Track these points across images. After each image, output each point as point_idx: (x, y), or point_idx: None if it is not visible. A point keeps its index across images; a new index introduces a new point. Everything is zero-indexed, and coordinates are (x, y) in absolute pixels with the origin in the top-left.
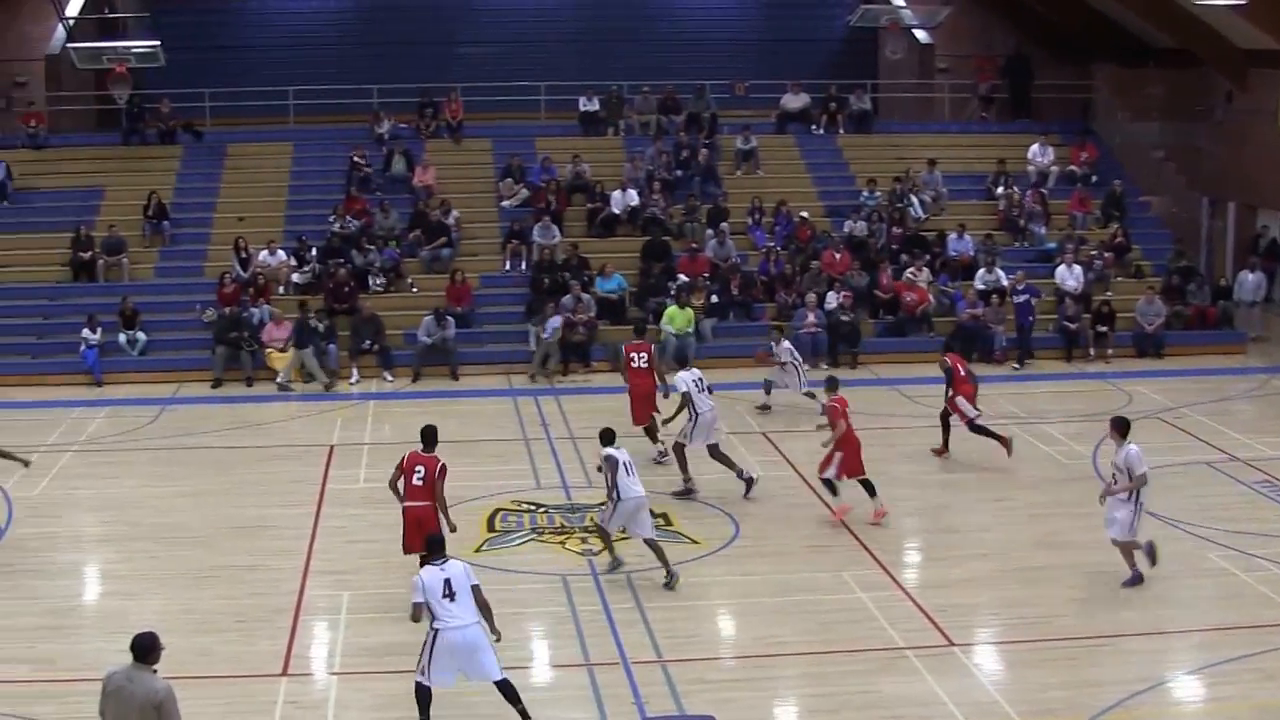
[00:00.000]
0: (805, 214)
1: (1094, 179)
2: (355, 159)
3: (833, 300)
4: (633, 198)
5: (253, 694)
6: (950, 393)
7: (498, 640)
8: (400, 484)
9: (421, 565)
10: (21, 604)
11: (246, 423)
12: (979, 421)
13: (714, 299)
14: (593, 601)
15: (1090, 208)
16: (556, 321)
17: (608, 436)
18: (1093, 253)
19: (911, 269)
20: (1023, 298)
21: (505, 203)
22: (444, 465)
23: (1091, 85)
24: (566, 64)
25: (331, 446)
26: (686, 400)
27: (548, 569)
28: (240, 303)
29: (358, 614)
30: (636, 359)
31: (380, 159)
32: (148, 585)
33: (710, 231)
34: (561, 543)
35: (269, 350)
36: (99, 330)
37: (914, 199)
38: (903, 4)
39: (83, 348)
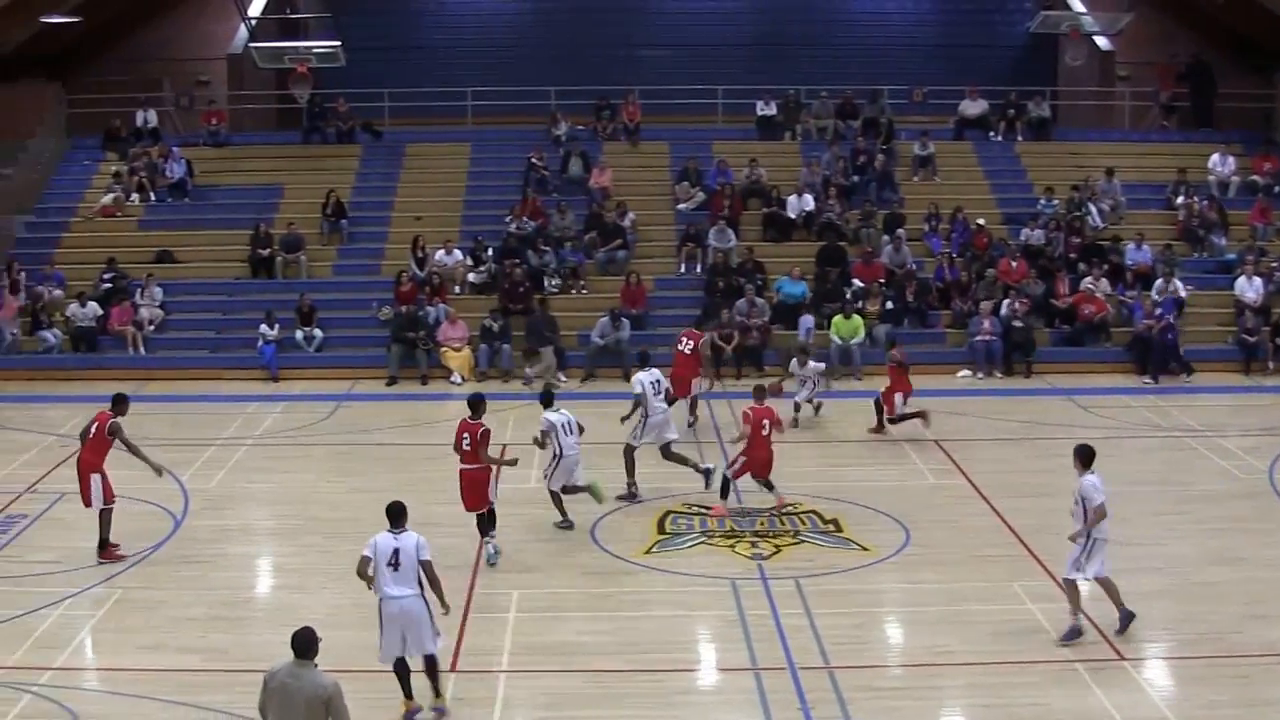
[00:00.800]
0: (982, 221)
1: (1276, 190)
2: (533, 160)
3: (1008, 308)
4: (808, 202)
5: (420, 689)
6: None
7: (445, 613)
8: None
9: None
10: (195, 594)
11: (420, 420)
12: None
13: (889, 305)
14: (761, 606)
15: (1271, 219)
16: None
17: (546, 399)
18: (1273, 264)
19: (1089, 279)
20: (1158, 310)
21: (681, 206)
22: (486, 430)
23: (1275, 94)
24: (744, 68)
25: (503, 446)
26: (641, 401)
27: (717, 572)
28: (416, 301)
29: (526, 612)
30: (684, 343)
31: (557, 160)
32: (318, 579)
33: (886, 238)
34: (731, 546)
35: (444, 349)
36: (276, 326)
37: (1092, 207)
38: (1083, 10)
39: (260, 343)
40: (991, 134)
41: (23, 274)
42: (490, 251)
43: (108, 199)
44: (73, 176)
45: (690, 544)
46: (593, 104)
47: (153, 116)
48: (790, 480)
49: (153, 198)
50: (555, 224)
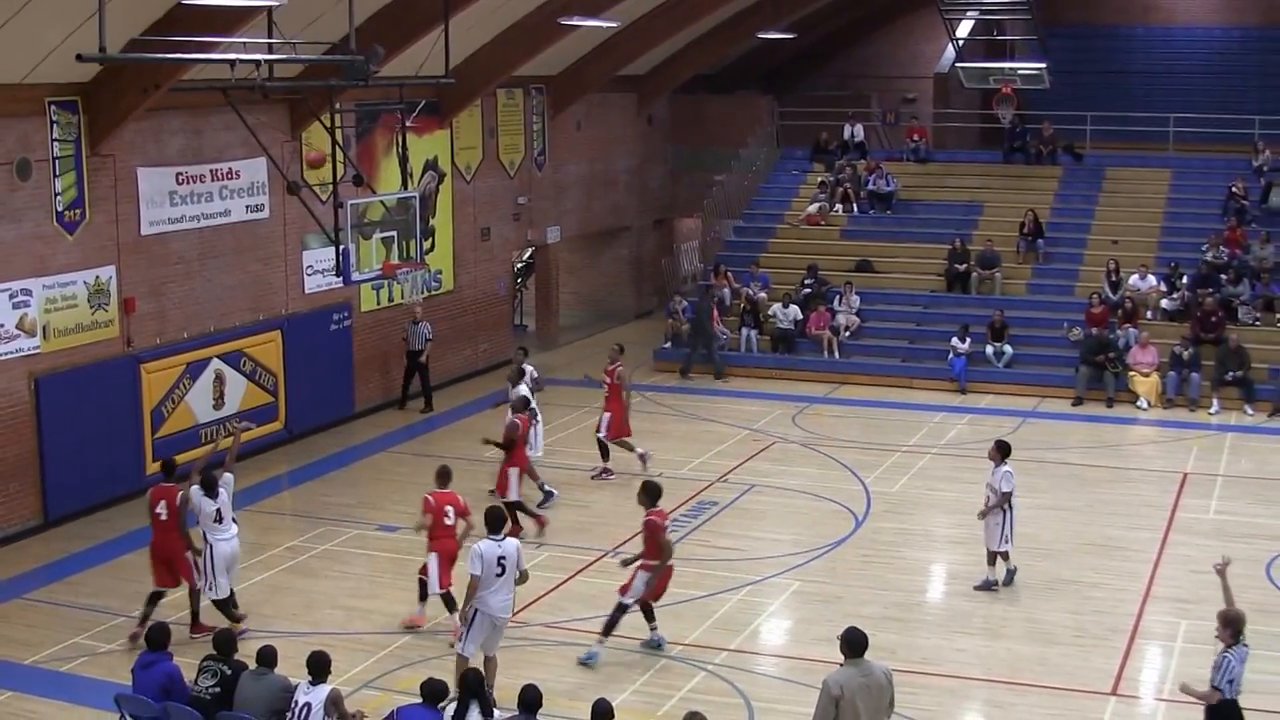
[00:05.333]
0: None
1: None
2: (1232, 189)
3: None
4: None
5: (1079, 708)
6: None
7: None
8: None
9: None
10: (870, 593)
11: (1104, 443)
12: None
13: None
14: None
15: None
16: None
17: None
18: None
19: None
20: None
21: None
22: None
23: None
24: None
25: (1185, 474)
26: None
27: None
28: (1108, 324)
29: (1193, 643)
30: None
31: (1258, 190)
32: (992, 590)
33: None
34: None
35: (1133, 373)
36: (968, 340)
37: None
38: None
39: (951, 355)
40: None
41: (729, 275)
42: (1185, 279)
43: (813, 208)
44: (781, 185)
45: None
46: None
47: (859, 131)
48: None
49: (855, 209)
50: (1254, 254)
